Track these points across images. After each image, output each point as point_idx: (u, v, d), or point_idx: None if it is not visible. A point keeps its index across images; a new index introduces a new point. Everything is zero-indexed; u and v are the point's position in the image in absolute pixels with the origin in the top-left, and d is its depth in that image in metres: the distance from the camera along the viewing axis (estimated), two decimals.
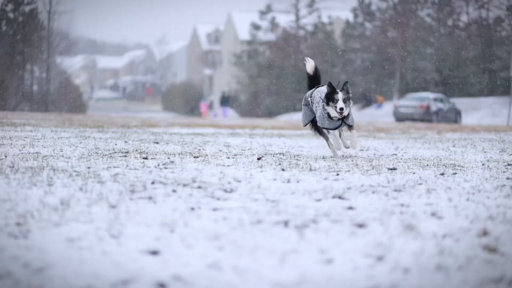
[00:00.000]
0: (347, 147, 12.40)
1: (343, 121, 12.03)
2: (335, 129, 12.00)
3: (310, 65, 12.59)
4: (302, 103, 12.34)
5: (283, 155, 14.47)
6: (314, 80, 12.84)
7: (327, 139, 12.55)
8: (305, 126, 12.54)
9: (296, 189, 8.76)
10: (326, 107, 11.70)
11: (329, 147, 12.63)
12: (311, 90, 12.46)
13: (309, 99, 12.21)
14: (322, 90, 12.12)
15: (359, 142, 13.10)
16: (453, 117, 61.66)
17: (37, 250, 5.33)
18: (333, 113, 11.80)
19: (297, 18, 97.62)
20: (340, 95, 11.68)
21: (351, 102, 12.06)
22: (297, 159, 13.18)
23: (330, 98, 11.71)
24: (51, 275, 4.62)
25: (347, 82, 11.92)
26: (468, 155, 14.96)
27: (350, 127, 12.21)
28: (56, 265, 4.87)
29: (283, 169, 11.08)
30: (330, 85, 11.70)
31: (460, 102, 70.08)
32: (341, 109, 11.65)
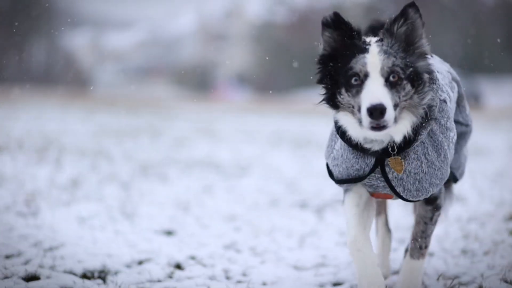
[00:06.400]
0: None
1: (391, 188, 3.89)
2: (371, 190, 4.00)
3: None
4: None
5: (298, 135, 14.49)
6: None
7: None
8: None
9: (311, 170, 8.78)
10: (335, 113, 3.77)
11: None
12: None
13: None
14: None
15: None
16: (473, 97, 61.07)
17: (48, 229, 5.36)
18: (353, 130, 3.75)
19: None
20: (373, 56, 3.63)
21: (432, 89, 3.76)
22: (312, 140, 13.19)
23: (340, 69, 3.69)
24: (63, 254, 4.65)
25: (410, 5, 3.67)
26: (491, 138, 14.92)
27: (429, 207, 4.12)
28: (67, 245, 4.89)
29: (298, 150, 11.10)
30: (331, 18, 3.71)
31: (482, 81, 69.51)
32: (375, 109, 3.49)
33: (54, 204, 6.28)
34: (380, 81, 3.54)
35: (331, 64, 3.69)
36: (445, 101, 3.91)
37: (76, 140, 11.65)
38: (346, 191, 3.97)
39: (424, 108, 3.64)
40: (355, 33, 3.66)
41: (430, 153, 3.83)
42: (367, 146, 3.72)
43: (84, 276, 4.25)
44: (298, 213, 6.20)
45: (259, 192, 7.16)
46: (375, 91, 3.51)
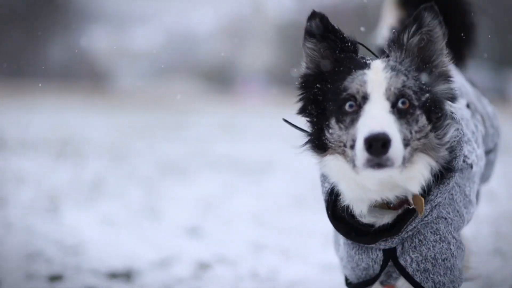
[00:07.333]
0: None
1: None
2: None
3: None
4: None
5: None
6: None
7: None
8: None
9: None
10: (320, 160, 2.75)
11: None
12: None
13: None
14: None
15: None
16: (499, 89, 59.99)
17: (70, 229, 5.37)
18: (345, 181, 2.72)
19: None
20: (376, 72, 2.65)
21: (455, 122, 2.78)
22: None
23: (329, 91, 2.72)
24: (86, 254, 4.67)
25: (427, 8, 2.69)
26: None
27: None
28: (90, 244, 4.91)
29: None
30: (316, 25, 2.76)
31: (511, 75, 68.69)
32: (376, 139, 2.48)
33: (76, 203, 6.31)
34: (385, 105, 2.56)
35: (317, 85, 2.72)
36: (471, 166, 2.94)
37: (97, 138, 11.72)
38: None
39: (446, 150, 2.65)
40: (349, 44, 2.73)
41: (457, 231, 2.88)
42: (366, 220, 2.71)
43: (108, 276, 4.26)
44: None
45: (285, 190, 7.17)
46: (376, 115, 2.53)
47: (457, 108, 2.97)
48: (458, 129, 2.71)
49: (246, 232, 5.39)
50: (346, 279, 2.98)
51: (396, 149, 2.46)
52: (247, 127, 15.88)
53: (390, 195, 2.61)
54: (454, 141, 2.67)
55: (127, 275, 4.27)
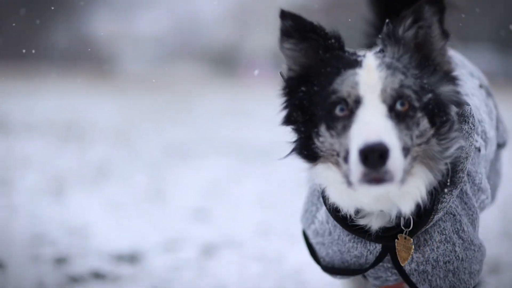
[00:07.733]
0: None
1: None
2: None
3: None
4: None
5: None
6: None
7: None
8: None
9: None
10: (312, 168, 2.50)
11: None
12: None
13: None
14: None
15: None
16: (506, 73, 59.49)
17: (75, 212, 5.39)
18: (338, 194, 2.47)
19: None
20: (369, 71, 2.36)
21: (463, 134, 2.50)
22: None
23: (317, 95, 2.43)
24: (91, 237, 4.69)
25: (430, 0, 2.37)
26: None
27: None
28: (96, 227, 4.92)
29: None
30: (290, 26, 2.47)
31: None
32: (372, 150, 2.18)
33: (82, 186, 6.32)
34: (381, 109, 2.28)
35: (302, 89, 2.43)
36: (479, 150, 2.69)
37: (103, 122, 11.73)
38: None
39: (447, 164, 2.38)
40: (333, 40, 2.42)
41: (465, 229, 2.56)
42: (361, 222, 2.46)
43: (114, 258, 4.27)
44: None
45: (291, 174, 7.15)
46: (371, 122, 2.24)
47: (470, 87, 2.82)
48: (463, 147, 2.43)
49: (252, 215, 5.39)
50: (313, 254, 2.75)
51: (396, 160, 2.18)
52: (252, 111, 15.84)
53: (376, 208, 2.40)
54: (458, 157, 2.41)
55: (133, 258, 4.28)
